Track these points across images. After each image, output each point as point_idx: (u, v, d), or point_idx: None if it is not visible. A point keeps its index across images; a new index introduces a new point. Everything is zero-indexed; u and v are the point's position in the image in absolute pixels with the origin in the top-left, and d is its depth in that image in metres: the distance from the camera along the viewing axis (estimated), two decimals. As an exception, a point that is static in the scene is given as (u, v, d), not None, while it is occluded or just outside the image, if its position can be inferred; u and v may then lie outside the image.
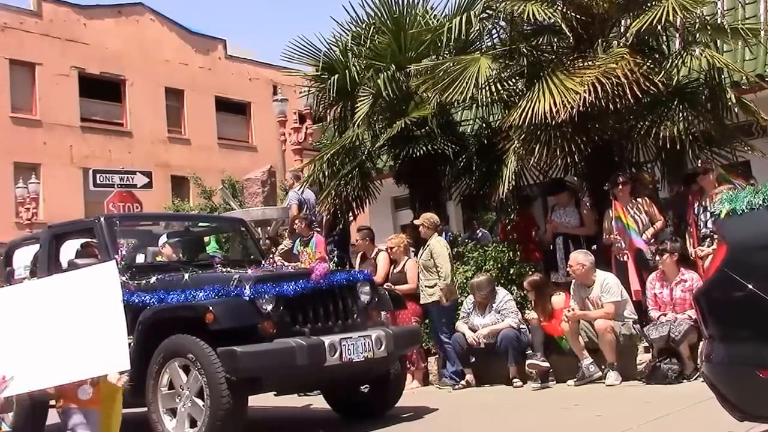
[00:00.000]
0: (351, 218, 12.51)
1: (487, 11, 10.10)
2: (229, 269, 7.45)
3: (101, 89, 30.31)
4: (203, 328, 6.39)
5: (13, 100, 28.34)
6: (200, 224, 10.65)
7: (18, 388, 3.69)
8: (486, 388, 9.13)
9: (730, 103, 9.31)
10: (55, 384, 4.14)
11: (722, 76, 9.45)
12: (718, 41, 9.88)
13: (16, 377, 3.59)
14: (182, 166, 31.04)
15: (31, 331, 3.71)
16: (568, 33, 9.18)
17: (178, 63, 32.70)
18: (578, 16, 9.30)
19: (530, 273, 9.64)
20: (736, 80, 10.07)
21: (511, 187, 9.58)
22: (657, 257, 8.51)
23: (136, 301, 6.86)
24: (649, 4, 9.20)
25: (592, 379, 8.31)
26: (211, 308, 6.42)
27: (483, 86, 9.61)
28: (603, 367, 8.31)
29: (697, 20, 9.56)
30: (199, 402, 6.37)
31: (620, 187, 9.08)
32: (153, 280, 7.13)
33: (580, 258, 8.69)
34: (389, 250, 10.12)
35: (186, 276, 7.03)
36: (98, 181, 15.62)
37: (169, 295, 6.82)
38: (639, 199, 9.19)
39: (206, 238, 11.27)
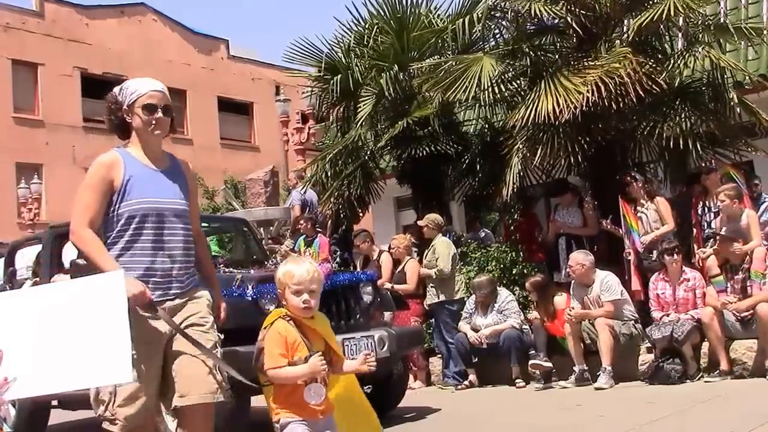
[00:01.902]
0: (358, 217, 12.53)
1: (491, 12, 10.09)
2: (231, 269, 7.44)
3: (104, 89, 29.79)
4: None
5: (15, 100, 28.38)
6: (202, 224, 10.63)
7: (19, 392, 3.66)
8: (488, 389, 9.12)
9: (732, 103, 9.30)
10: (55, 392, 4.07)
11: (725, 76, 9.44)
12: (721, 41, 9.86)
13: (18, 380, 3.56)
14: (185, 167, 31.05)
15: (35, 336, 3.69)
16: (574, 28, 9.18)
17: (180, 63, 32.72)
18: (584, 12, 9.29)
19: (533, 273, 9.63)
20: (739, 80, 10.06)
21: (515, 189, 9.57)
22: (661, 257, 8.47)
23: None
24: (651, 1, 9.20)
25: (583, 384, 8.29)
26: (213, 308, 6.40)
27: (486, 86, 9.60)
28: (598, 372, 8.25)
29: (700, 20, 9.55)
30: (202, 402, 6.34)
31: (627, 187, 9.09)
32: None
33: (580, 258, 8.68)
34: (393, 251, 10.13)
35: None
36: (101, 182, 15.59)
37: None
38: (656, 198, 9.14)
39: (208, 240, 11.27)
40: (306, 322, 3.57)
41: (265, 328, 3.60)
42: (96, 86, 30.11)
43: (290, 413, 3.45)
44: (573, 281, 8.83)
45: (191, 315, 3.81)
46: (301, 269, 3.54)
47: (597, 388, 8.00)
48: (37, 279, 8.35)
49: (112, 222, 3.74)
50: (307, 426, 3.42)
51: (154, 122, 3.81)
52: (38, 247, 8.65)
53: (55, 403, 7.50)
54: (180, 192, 3.88)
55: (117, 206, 3.73)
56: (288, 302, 3.55)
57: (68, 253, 8.37)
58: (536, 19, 9.58)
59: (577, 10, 9.27)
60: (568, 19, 9.18)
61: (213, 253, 10.41)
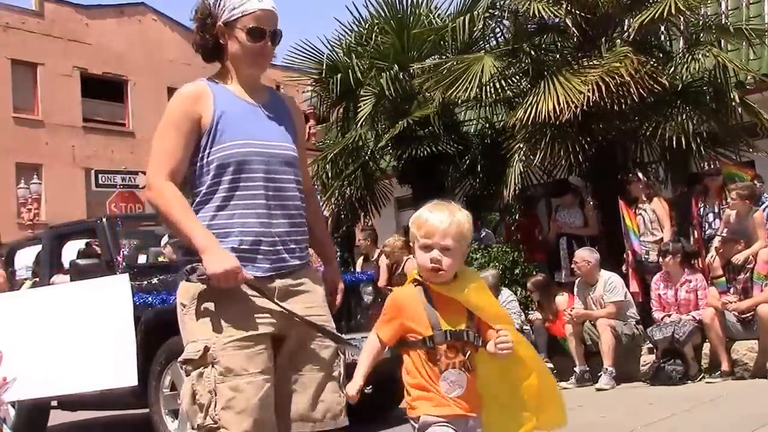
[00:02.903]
0: (359, 218, 12.52)
1: (491, 10, 10.08)
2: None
3: (103, 89, 30.31)
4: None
5: (15, 100, 28.35)
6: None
7: (20, 393, 3.65)
8: (489, 389, 9.08)
9: (734, 104, 9.29)
10: (58, 394, 4.05)
11: (727, 76, 9.42)
12: (722, 41, 9.85)
13: (19, 381, 3.54)
14: (185, 167, 31.06)
15: (39, 337, 3.68)
16: (572, 31, 9.16)
17: (180, 63, 32.58)
18: (583, 14, 9.27)
19: (534, 273, 9.61)
20: (740, 80, 10.04)
21: (516, 190, 9.55)
22: (661, 258, 8.45)
23: (138, 301, 6.83)
24: (651, 0, 9.19)
25: (584, 385, 8.27)
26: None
27: (486, 84, 9.59)
28: (599, 373, 8.22)
29: (701, 20, 9.54)
30: (202, 403, 6.30)
31: (629, 185, 9.08)
32: (155, 280, 7.09)
33: (586, 255, 8.65)
34: (388, 256, 10.08)
35: (189, 276, 6.98)
36: (100, 182, 15.63)
37: (171, 296, 6.76)
38: (655, 199, 9.12)
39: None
40: (437, 288, 2.61)
41: None
42: (96, 86, 30.14)
43: (429, 409, 2.64)
44: (577, 280, 8.80)
45: (307, 308, 2.88)
46: (434, 216, 2.64)
47: (598, 389, 7.98)
48: (37, 279, 8.34)
49: (201, 174, 2.79)
50: (453, 430, 2.57)
51: (257, 53, 2.84)
52: (38, 248, 8.63)
53: (54, 403, 7.49)
54: (287, 134, 2.91)
55: (206, 152, 2.78)
56: (417, 260, 2.64)
57: (68, 254, 8.36)
58: (536, 19, 9.56)
59: (575, 11, 9.25)
60: (568, 20, 9.14)
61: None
